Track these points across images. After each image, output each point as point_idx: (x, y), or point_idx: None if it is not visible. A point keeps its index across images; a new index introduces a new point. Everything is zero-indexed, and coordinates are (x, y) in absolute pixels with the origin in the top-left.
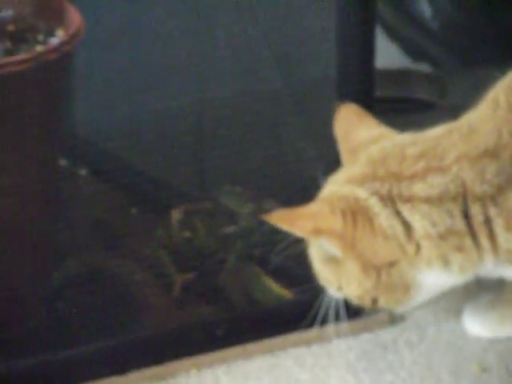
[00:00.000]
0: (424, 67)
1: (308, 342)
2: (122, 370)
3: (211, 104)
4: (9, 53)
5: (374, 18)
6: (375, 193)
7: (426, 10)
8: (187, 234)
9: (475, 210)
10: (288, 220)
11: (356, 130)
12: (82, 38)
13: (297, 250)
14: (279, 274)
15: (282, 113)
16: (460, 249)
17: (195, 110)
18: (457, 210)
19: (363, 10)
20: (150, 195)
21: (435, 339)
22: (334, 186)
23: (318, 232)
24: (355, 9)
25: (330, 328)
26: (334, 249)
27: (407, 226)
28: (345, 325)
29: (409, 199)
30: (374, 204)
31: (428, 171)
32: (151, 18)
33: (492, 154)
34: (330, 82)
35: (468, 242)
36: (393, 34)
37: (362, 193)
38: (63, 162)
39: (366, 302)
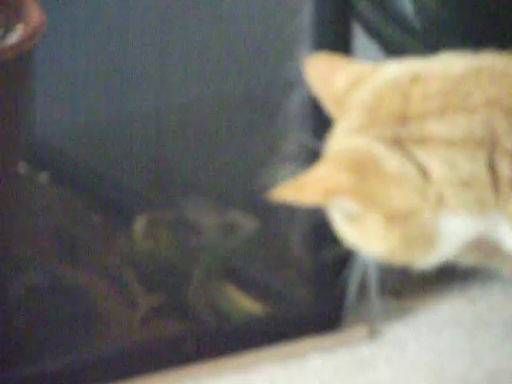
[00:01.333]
0: None
1: (282, 358)
2: None
3: (176, 109)
4: None
5: (350, 16)
6: (379, 138)
7: (408, 7)
8: (150, 244)
9: (503, 165)
10: (295, 192)
11: (332, 79)
12: (43, 34)
13: (270, 263)
14: (250, 288)
15: (247, 119)
16: (479, 200)
17: (160, 115)
18: (482, 158)
19: (340, 8)
20: (114, 202)
21: (416, 356)
22: (335, 143)
23: (329, 194)
24: (332, 6)
25: (306, 342)
26: (352, 205)
27: (422, 170)
28: (320, 339)
29: (423, 140)
30: (379, 150)
31: (446, 109)
32: (118, 17)
33: None
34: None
35: (489, 195)
36: (373, 32)
37: (364, 142)
38: (22, 167)
39: (394, 258)
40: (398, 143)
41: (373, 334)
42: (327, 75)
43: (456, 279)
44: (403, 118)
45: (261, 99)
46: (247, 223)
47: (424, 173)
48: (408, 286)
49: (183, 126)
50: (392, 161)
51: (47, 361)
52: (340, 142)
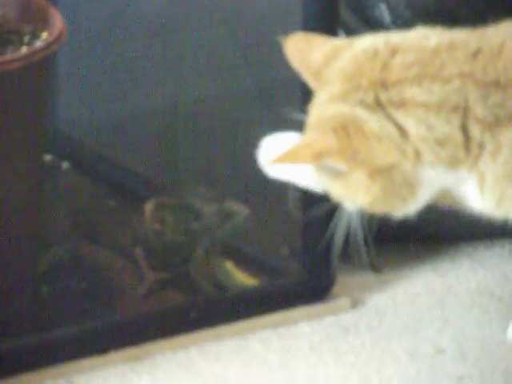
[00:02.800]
0: None
1: (275, 325)
2: (103, 350)
3: (183, 106)
4: None
5: (337, 23)
6: (359, 103)
7: (385, 16)
8: (157, 225)
9: (475, 130)
10: (289, 157)
11: (310, 55)
12: (65, 39)
13: (265, 242)
14: (247, 263)
15: (250, 113)
16: (453, 157)
17: (169, 111)
18: (456, 121)
19: (327, 17)
20: (128, 188)
21: (393, 322)
22: (318, 110)
23: (318, 156)
24: (319, 15)
25: (296, 312)
26: (339, 165)
27: (401, 130)
28: (309, 309)
29: (402, 104)
30: (361, 113)
31: (423, 77)
32: (132, 23)
33: (500, 86)
34: (295, 83)
35: (461, 153)
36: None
37: (346, 107)
38: (47, 157)
39: (377, 209)
40: (379, 106)
41: (355, 303)
42: (306, 51)
43: (428, 255)
44: (383, 85)
45: (263, 96)
46: (241, 211)
47: (403, 132)
48: (385, 262)
49: (190, 121)
50: (374, 122)
51: (69, 324)
52: (324, 109)
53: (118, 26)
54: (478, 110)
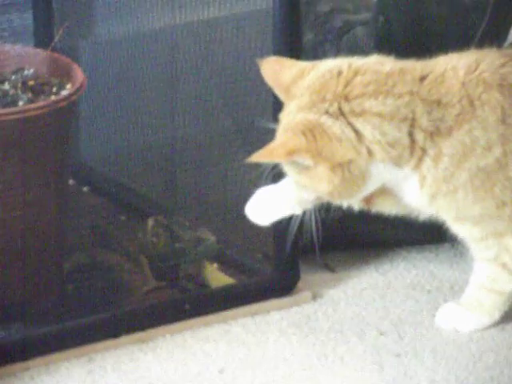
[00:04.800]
0: None
1: (252, 314)
2: (116, 334)
3: (180, 139)
4: (30, 101)
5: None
6: (325, 112)
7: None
8: (154, 239)
9: (419, 137)
10: (265, 155)
11: (282, 74)
12: (85, 89)
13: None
14: (230, 265)
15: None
16: (400, 156)
17: (168, 144)
18: (405, 129)
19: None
20: (135, 206)
21: (345, 311)
22: (288, 118)
23: (290, 153)
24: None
25: (268, 303)
26: (306, 160)
27: (358, 134)
28: (279, 301)
29: (361, 114)
30: (325, 120)
31: (379, 93)
32: (140, 74)
33: (443, 106)
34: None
35: (407, 154)
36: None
37: (313, 115)
38: (71, 182)
39: (335, 197)
40: (341, 115)
41: (315, 296)
42: (277, 71)
43: (372, 257)
44: (346, 98)
45: (240, 133)
46: (210, 237)
47: (359, 135)
48: (338, 263)
49: (184, 154)
50: (335, 127)
51: (88, 314)
52: (293, 117)
53: (126, 78)
54: (423, 121)
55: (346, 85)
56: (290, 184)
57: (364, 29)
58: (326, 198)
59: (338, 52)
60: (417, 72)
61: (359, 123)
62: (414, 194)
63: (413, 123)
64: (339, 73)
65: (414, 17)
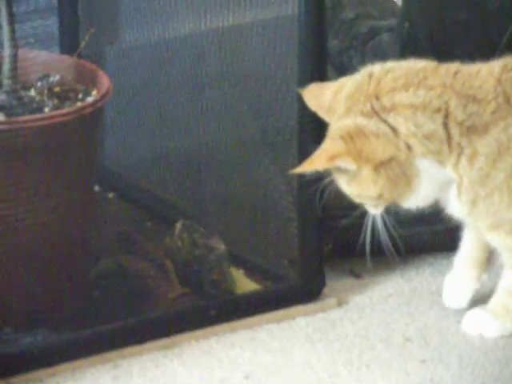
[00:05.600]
0: None
1: (277, 320)
2: (141, 340)
3: (206, 145)
4: (56, 108)
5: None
6: (358, 113)
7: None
8: (180, 243)
9: (455, 131)
10: (308, 164)
11: (323, 96)
12: (110, 95)
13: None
14: (256, 272)
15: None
16: (440, 151)
17: (193, 150)
18: (439, 120)
19: (318, 77)
20: (160, 212)
21: (370, 317)
22: (332, 128)
23: (331, 159)
24: (312, 76)
25: (294, 309)
26: (348, 164)
27: (394, 129)
28: (304, 307)
29: (392, 108)
30: (361, 120)
31: (410, 85)
32: (163, 80)
33: (478, 101)
34: (293, 130)
35: (445, 149)
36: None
37: (348, 120)
38: (96, 188)
39: (387, 199)
40: (374, 113)
41: (340, 303)
42: (318, 95)
43: (397, 264)
44: (376, 96)
45: (267, 141)
46: (220, 246)
47: (394, 130)
48: (364, 270)
49: (210, 160)
50: (371, 126)
51: (114, 320)
52: (332, 128)
53: (152, 84)
54: (458, 114)
55: (378, 84)
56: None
57: (389, 35)
58: (381, 203)
59: (363, 58)
60: (451, 68)
61: (391, 118)
62: (454, 203)
63: (447, 115)
64: (370, 74)
65: (440, 22)
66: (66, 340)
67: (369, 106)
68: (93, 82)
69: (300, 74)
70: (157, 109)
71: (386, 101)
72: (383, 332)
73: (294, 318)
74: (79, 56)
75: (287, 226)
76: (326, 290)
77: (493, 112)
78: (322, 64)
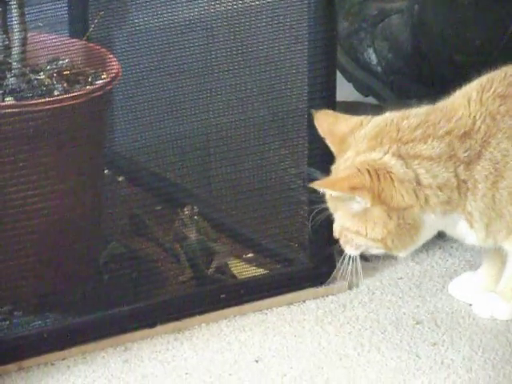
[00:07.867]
0: (371, 100)
1: (288, 303)
2: (152, 324)
3: (215, 128)
4: (65, 91)
5: (335, 65)
6: (387, 152)
7: (372, 58)
8: (190, 227)
9: (460, 170)
10: (329, 185)
11: (337, 126)
12: (120, 78)
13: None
14: (267, 255)
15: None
16: (449, 201)
17: (203, 133)
18: (451, 168)
19: (327, 59)
20: (170, 196)
21: (381, 300)
22: (347, 162)
23: (353, 189)
24: (322, 58)
25: (304, 292)
26: (365, 200)
27: (417, 179)
28: (314, 290)
29: (416, 156)
30: (389, 159)
31: (427, 137)
32: (173, 64)
33: (468, 135)
34: (303, 112)
35: (456, 196)
36: (348, 76)
37: (376, 154)
38: (106, 172)
39: (387, 245)
40: (401, 156)
41: (350, 286)
42: (332, 123)
43: None
44: (401, 141)
45: (276, 124)
46: (223, 250)
47: (418, 180)
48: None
49: (219, 143)
50: (399, 168)
51: (125, 304)
52: (353, 160)
53: (161, 67)
54: (460, 153)
55: (398, 130)
56: None
57: (399, 17)
58: (375, 248)
59: (372, 40)
60: (443, 108)
61: (415, 165)
62: (468, 235)
63: (455, 160)
64: (391, 120)
65: (449, 5)
66: (76, 323)
67: (395, 147)
68: (102, 66)
69: (310, 57)
70: (166, 92)
71: (410, 148)
72: (394, 315)
73: (304, 301)
74: (88, 39)
75: (297, 209)
76: (336, 273)
77: (483, 136)
78: (332, 46)
